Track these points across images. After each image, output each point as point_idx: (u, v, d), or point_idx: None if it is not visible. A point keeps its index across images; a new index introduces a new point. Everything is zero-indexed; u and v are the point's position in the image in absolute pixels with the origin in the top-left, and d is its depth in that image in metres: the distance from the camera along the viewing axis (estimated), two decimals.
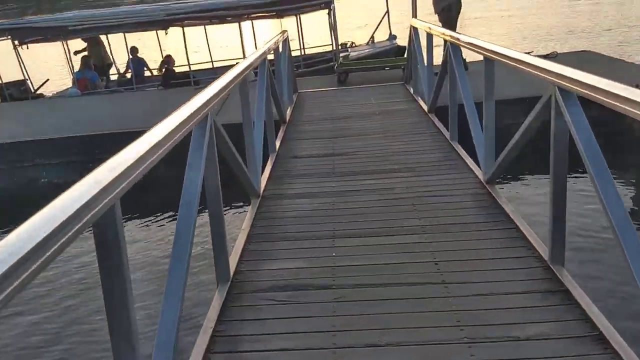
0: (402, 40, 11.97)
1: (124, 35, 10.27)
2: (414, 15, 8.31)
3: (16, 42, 10.30)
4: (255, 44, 11.92)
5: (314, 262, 2.95)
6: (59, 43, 10.60)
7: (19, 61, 10.36)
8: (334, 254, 3.01)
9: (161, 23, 10.06)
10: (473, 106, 4.35)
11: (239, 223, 3.70)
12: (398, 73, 8.62)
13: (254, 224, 3.46)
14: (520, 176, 5.93)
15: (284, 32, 7.07)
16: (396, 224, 3.35)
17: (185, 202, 2.31)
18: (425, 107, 6.34)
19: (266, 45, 5.35)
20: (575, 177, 4.99)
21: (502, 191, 3.85)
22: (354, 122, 6.07)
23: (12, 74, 10.98)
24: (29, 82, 11.07)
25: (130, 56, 11.12)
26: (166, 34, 10.67)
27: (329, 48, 11.35)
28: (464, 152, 4.65)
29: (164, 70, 10.76)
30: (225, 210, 5.59)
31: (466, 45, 4.25)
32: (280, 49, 6.77)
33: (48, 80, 12.34)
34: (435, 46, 6.43)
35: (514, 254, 2.94)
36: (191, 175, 2.39)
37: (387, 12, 11.77)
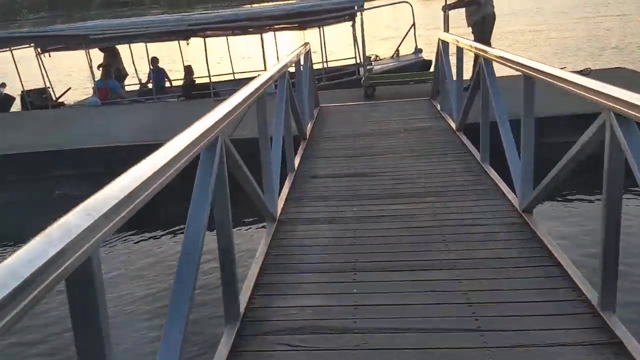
0: (428, 54, 11.72)
1: (146, 46, 10.17)
2: (446, 29, 8.02)
3: (39, 50, 10.29)
4: (277, 55, 11.76)
5: (333, 299, 2.66)
6: (82, 51, 10.57)
7: (40, 69, 10.34)
8: (354, 291, 2.72)
9: (183, 33, 9.95)
10: (508, 126, 4.04)
11: (252, 249, 3.44)
12: (423, 88, 8.31)
13: (269, 252, 3.18)
14: (559, 202, 5.52)
15: (306, 44, 6.85)
16: (423, 257, 3.04)
17: (190, 234, 2.06)
18: (453, 125, 6.03)
19: (286, 58, 5.11)
20: (629, 208, 4.62)
21: (540, 220, 3.52)
22: (378, 139, 5.79)
23: (35, 82, 10.97)
24: (50, 90, 11.06)
25: (151, 67, 11.04)
26: (187, 44, 10.57)
27: (353, 61, 11.12)
28: (497, 175, 4.33)
29: (183, 81, 10.63)
30: (238, 234, 5.38)
31: (502, 61, 3.94)
32: (302, 62, 6.54)
33: (70, 88, 12.35)
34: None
35: (557, 297, 2.62)
36: (197, 203, 2.13)
37: (414, 24, 11.50)
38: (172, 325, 1.89)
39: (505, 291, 2.67)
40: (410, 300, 2.61)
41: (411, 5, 11.58)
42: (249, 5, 13.47)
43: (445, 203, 3.84)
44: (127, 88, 12.04)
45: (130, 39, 10.10)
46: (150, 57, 10.64)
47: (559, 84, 2.93)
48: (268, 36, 10.91)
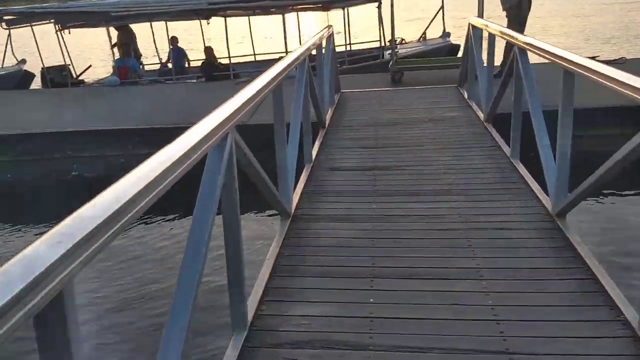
0: (454, 39, 11.33)
1: (166, 24, 9.98)
2: (480, 13, 7.66)
3: (58, 26, 10.17)
4: (300, 37, 11.49)
5: (348, 309, 2.47)
6: (103, 29, 10.43)
7: (60, 46, 10.23)
8: (371, 300, 2.52)
9: (204, 12, 9.72)
10: (542, 121, 3.76)
11: (263, 249, 3.26)
12: (450, 74, 7.97)
13: (281, 253, 3.00)
14: (594, 204, 5.20)
15: (329, 27, 6.58)
16: (447, 264, 2.82)
17: (193, 241, 1.87)
18: (481, 116, 5.74)
19: (306, 44, 4.85)
20: None
21: (573, 224, 3.27)
22: (400, 129, 5.53)
23: (57, 58, 10.88)
24: (71, 67, 10.97)
25: (171, 46, 10.86)
26: (208, 23, 10.35)
27: (376, 44, 10.78)
28: (527, 173, 4.06)
29: (203, 61, 10.44)
30: (248, 229, 5.06)
31: (538, 52, 3.65)
32: (324, 45, 6.28)
33: (90, 66, 12.25)
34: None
35: (593, 316, 2.39)
36: (203, 204, 1.94)
37: (442, 7, 11.09)
38: (172, 334, 1.72)
39: (536, 307, 2.44)
40: (432, 314, 2.40)
41: None
42: None
43: (471, 203, 3.61)
44: (147, 67, 11.92)
45: (150, 16, 9.91)
46: (170, 36, 10.45)
47: (604, 82, 2.66)
48: (291, 17, 10.63)
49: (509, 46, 7.24)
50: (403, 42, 11.50)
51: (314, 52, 5.48)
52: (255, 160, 2.60)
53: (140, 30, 11.09)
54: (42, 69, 10.69)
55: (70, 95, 9.40)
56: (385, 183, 4.06)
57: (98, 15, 10.00)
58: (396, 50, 10.67)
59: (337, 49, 9.12)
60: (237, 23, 11.05)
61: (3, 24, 10.27)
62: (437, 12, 11.26)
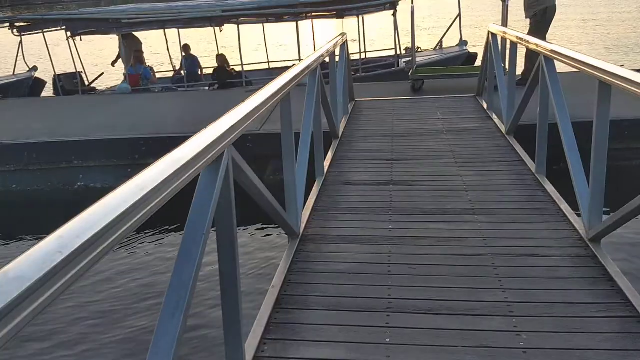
0: (473, 47, 11.03)
1: (178, 32, 9.82)
2: (505, 22, 7.38)
3: (69, 34, 10.08)
4: (314, 44, 11.28)
5: (360, 352, 2.19)
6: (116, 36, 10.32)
7: (71, 53, 10.13)
8: (387, 340, 2.24)
9: (217, 20, 9.56)
10: (572, 136, 3.47)
11: (269, 271, 3.00)
12: (468, 83, 7.67)
13: (287, 280, 2.73)
14: (630, 228, 4.80)
15: (342, 34, 6.34)
16: (471, 296, 2.54)
17: (179, 273, 1.60)
18: (502, 127, 5.45)
19: (319, 51, 4.60)
20: None
21: (610, 251, 2.96)
22: (417, 141, 5.26)
23: (71, 66, 10.79)
24: (83, 74, 10.87)
25: (183, 54, 10.70)
26: (221, 30, 10.19)
27: (391, 52, 10.53)
28: (555, 191, 3.77)
29: (215, 69, 10.27)
30: (251, 253, 4.71)
31: (569, 61, 3.36)
32: (337, 53, 6.04)
33: (103, 73, 12.14)
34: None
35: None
36: (192, 231, 1.68)
37: (459, 15, 10.81)
38: None
39: (575, 351, 2.14)
40: (456, 359, 2.12)
41: None
42: None
43: (496, 224, 3.32)
44: (160, 75, 11.79)
45: (162, 24, 9.76)
46: (182, 44, 10.30)
47: None
48: (305, 24, 10.43)
49: (530, 54, 7.00)
50: (419, 50, 11.22)
51: (327, 59, 5.25)
52: (258, 179, 2.35)
53: (153, 37, 10.98)
54: (54, 76, 10.60)
55: (79, 103, 9.27)
56: (402, 200, 3.79)
57: (109, 23, 9.88)
58: (410, 59, 10.42)
59: (352, 57, 8.89)
60: (252, 30, 10.89)
61: (14, 30, 10.20)
62: (454, 21, 10.99)
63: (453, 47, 11.10)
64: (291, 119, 3.17)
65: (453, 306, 2.46)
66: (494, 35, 6.20)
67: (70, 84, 10.67)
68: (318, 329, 2.33)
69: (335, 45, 5.64)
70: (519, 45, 5.31)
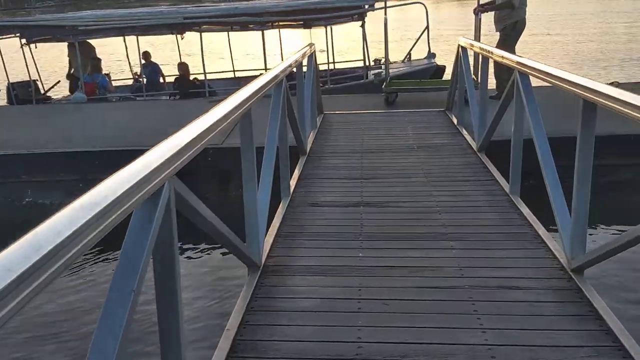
0: (440, 60, 10.95)
1: (137, 39, 9.42)
2: (477, 35, 7.27)
3: (23, 41, 9.57)
4: (282, 54, 11.02)
5: None
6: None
7: (25, 60, 9.61)
8: None
9: (178, 27, 9.21)
10: (550, 157, 3.28)
11: (227, 306, 2.70)
12: (438, 96, 7.51)
13: (245, 320, 2.43)
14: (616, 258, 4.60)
15: (311, 45, 6.10)
16: (449, 338, 2.29)
17: (105, 327, 1.29)
18: (473, 144, 5.28)
19: (284, 62, 4.33)
20: None
21: (595, 283, 2.77)
22: (388, 158, 5.04)
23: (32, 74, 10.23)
24: (39, 82, 10.35)
25: (143, 61, 10.29)
26: (182, 38, 9.82)
27: (360, 64, 10.35)
28: (531, 214, 3.58)
29: (176, 78, 9.90)
30: (205, 284, 4.25)
31: (549, 79, 3.17)
32: (305, 64, 5.80)
33: (59, 81, 11.61)
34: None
35: None
36: (122, 278, 1.37)
37: (427, 27, 10.72)
38: None
39: None
40: None
41: (425, 7, 10.83)
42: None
43: (471, 251, 3.10)
44: (119, 83, 11.34)
45: (120, 31, 9.34)
46: (142, 51, 9.89)
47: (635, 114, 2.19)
48: (273, 34, 10.16)
49: (501, 68, 6.90)
50: (384, 61, 11.08)
51: (295, 69, 4.99)
52: (208, 211, 2.05)
53: (112, 43, 10.52)
54: (7, 84, 10.05)
55: (33, 113, 8.77)
56: (373, 224, 3.54)
57: (65, 30, 9.41)
58: (379, 70, 10.26)
59: (320, 67, 8.68)
60: (218, 37, 10.56)
61: None
62: (422, 33, 10.90)
63: (421, 59, 11.02)
64: (252, 137, 2.89)
65: (430, 350, 2.21)
66: (464, 49, 6.06)
67: (25, 93, 10.13)
68: None
69: (303, 56, 5.39)
70: (490, 59, 5.17)
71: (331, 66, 10.53)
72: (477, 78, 6.26)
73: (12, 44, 9.95)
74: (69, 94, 10.53)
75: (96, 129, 7.18)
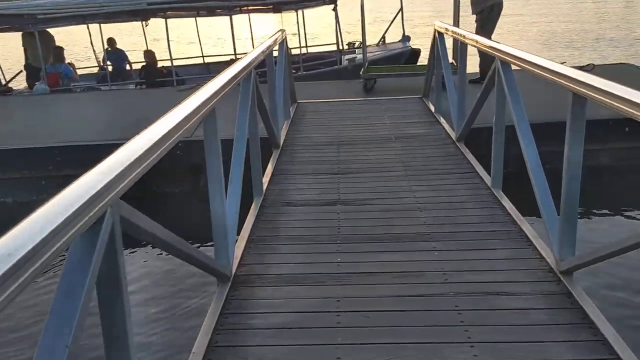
0: (414, 42, 10.76)
1: (100, 26, 9.00)
2: (456, 19, 7.06)
3: None
4: (252, 39, 10.70)
5: None
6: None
7: None
8: None
9: (142, 13, 8.81)
10: (535, 151, 3.13)
11: (196, 321, 2.49)
12: (415, 82, 7.31)
13: (214, 342, 2.22)
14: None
15: (282, 31, 5.83)
16: (435, 354, 2.13)
17: None
18: (452, 133, 5.12)
19: (252, 53, 4.05)
20: None
21: (585, 286, 2.64)
22: (365, 150, 4.84)
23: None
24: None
25: (109, 48, 9.87)
26: (146, 25, 9.42)
27: (334, 49, 10.09)
28: (515, 210, 3.43)
29: (142, 67, 9.52)
30: (173, 298, 3.88)
31: (533, 68, 3.00)
32: (276, 52, 5.54)
33: (21, 71, 11.09)
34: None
35: None
36: (59, 314, 1.16)
37: (401, 9, 10.51)
38: None
39: None
40: None
41: None
42: None
43: (455, 253, 2.93)
44: (85, 72, 10.89)
45: (82, 19, 8.92)
46: (105, 38, 9.47)
47: (632, 110, 2.02)
48: (243, 18, 9.83)
49: (483, 54, 6.73)
50: (361, 46, 10.85)
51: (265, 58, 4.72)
52: (165, 231, 1.82)
53: (75, 30, 10.05)
54: None
55: None
56: (351, 224, 3.35)
57: (24, 19, 8.93)
58: (353, 55, 10.02)
59: (292, 51, 8.40)
60: (186, 23, 10.16)
61: None
62: (396, 15, 10.68)
63: (396, 42, 10.81)
64: (217, 137, 2.66)
65: None
66: (440, 34, 5.87)
67: None
68: None
69: (273, 43, 5.13)
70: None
71: (304, 50, 10.26)
72: (456, 62, 6.09)
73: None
74: (27, 85, 10.06)
75: (59, 122, 6.84)
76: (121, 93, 8.86)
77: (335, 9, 9.31)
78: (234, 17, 8.97)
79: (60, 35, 10.42)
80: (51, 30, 9.53)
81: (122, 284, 1.43)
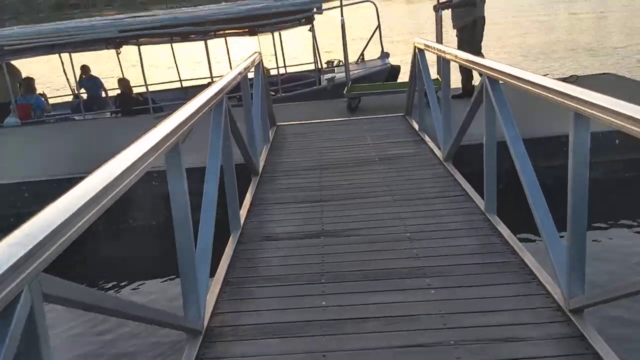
0: (394, 59, 10.61)
1: (70, 56, 8.71)
2: (439, 34, 6.89)
3: None
4: (230, 62, 10.47)
5: None
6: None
7: None
8: None
9: (114, 41, 8.53)
10: (532, 171, 2.89)
11: None
12: (396, 100, 7.10)
13: None
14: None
15: (257, 53, 5.59)
16: None
17: None
18: (438, 153, 4.89)
19: (223, 80, 3.75)
20: None
21: (598, 326, 2.37)
22: (348, 174, 4.59)
23: None
24: None
25: (84, 76, 9.56)
26: (119, 52, 9.14)
27: (312, 69, 9.88)
28: (514, 237, 3.18)
29: (118, 95, 9.22)
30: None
31: (528, 86, 2.76)
32: (252, 76, 5.30)
33: None
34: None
35: None
36: None
37: (379, 26, 10.37)
38: None
39: None
40: None
41: (376, 6, 10.47)
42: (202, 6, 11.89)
43: (453, 290, 2.66)
44: (59, 100, 10.53)
45: (50, 49, 8.60)
46: (78, 67, 9.16)
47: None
48: (220, 41, 9.59)
49: (464, 70, 6.57)
50: (340, 64, 10.67)
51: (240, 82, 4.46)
52: (111, 297, 1.53)
53: (50, 59, 9.75)
54: None
55: None
56: (336, 259, 3.07)
57: None
58: (333, 75, 9.81)
59: (270, 72, 8.14)
60: (164, 47, 9.91)
61: None
62: (374, 32, 10.54)
63: (375, 59, 10.65)
64: (183, 176, 2.37)
65: None
66: (421, 51, 5.67)
67: None
68: None
69: (249, 65, 4.89)
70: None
71: (282, 71, 10.05)
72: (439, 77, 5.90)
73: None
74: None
75: (29, 156, 6.50)
76: (96, 122, 8.54)
77: (312, 29, 9.13)
78: (209, 41, 8.74)
79: (34, 63, 10.10)
80: (24, 60, 9.22)
81: None
